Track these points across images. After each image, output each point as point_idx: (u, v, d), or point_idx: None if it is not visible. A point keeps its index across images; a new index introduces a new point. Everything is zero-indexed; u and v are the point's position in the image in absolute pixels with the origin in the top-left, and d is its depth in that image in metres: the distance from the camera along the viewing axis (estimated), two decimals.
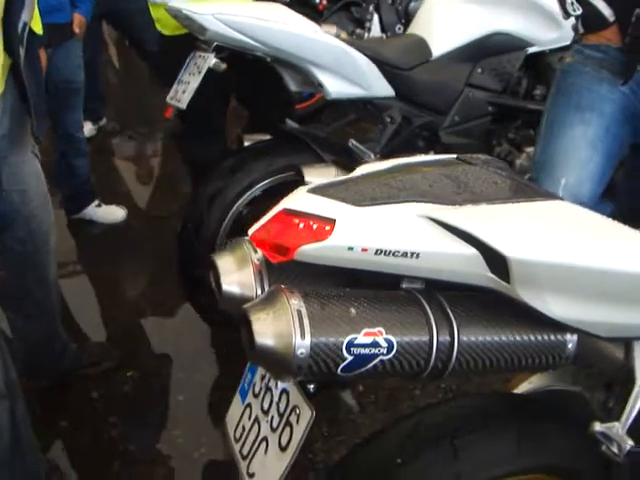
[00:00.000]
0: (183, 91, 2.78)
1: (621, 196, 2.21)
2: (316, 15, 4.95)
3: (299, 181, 2.58)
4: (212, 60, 2.71)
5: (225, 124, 3.54)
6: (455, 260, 1.17)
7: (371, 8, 5.27)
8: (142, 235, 4.25)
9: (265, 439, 1.35)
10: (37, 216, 2.51)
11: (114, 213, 4.32)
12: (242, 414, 1.46)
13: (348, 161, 2.82)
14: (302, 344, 1.08)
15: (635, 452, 1.36)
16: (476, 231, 1.13)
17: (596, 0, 2.03)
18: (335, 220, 1.13)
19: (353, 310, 1.13)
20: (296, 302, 1.11)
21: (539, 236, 1.18)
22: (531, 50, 3.13)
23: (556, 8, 3.01)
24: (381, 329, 1.13)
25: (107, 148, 5.53)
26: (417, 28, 3.12)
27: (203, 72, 2.73)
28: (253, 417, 1.41)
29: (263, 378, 1.41)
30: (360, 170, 1.37)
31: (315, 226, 1.13)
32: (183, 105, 2.76)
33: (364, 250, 1.13)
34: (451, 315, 1.22)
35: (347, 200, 1.16)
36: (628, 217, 1.33)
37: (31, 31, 2.18)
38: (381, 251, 1.14)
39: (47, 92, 3.31)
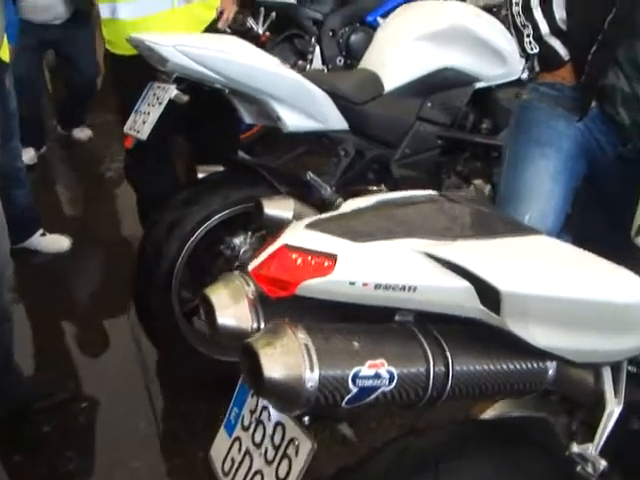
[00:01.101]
0: (143, 122, 2.79)
1: (577, 228, 2.31)
2: (258, 47, 5.00)
3: (257, 213, 2.60)
4: (173, 92, 2.73)
5: (174, 155, 3.57)
6: (449, 293, 1.22)
7: (313, 40, 5.38)
8: (89, 264, 4.23)
9: (260, 472, 1.37)
10: None
11: (59, 242, 4.26)
12: (230, 447, 1.47)
13: (303, 193, 2.86)
14: (311, 377, 1.12)
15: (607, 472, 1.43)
16: (470, 265, 1.19)
17: (552, 40, 2.12)
18: (336, 256, 1.17)
19: (356, 343, 1.17)
20: (302, 336, 1.14)
21: (527, 270, 1.24)
22: (478, 85, 3.22)
23: (503, 45, 3.15)
24: (383, 361, 1.17)
25: (51, 175, 5.47)
26: (369, 63, 3.18)
27: (164, 103, 2.74)
28: (244, 450, 1.43)
29: (253, 412, 1.44)
30: (349, 205, 1.41)
31: (317, 262, 1.17)
32: (143, 136, 2.77)
33: (365, 285, 1.17)
34: (445, 347, 1.27)
35: (346, 236, 1.20)
36: (584, 248, 1.40)
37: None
38: (381, 285, 1.18)
39: None
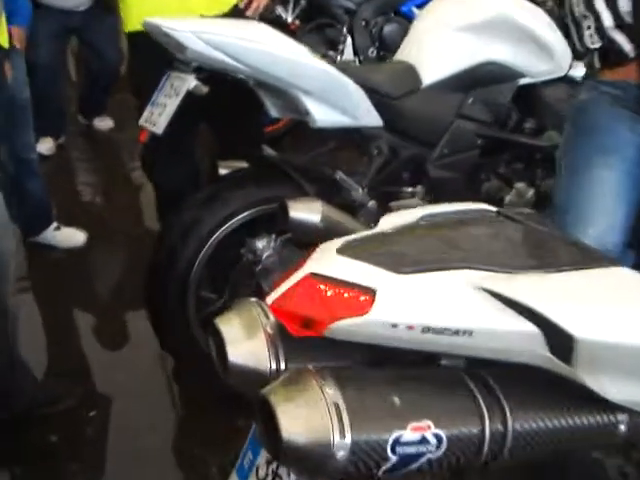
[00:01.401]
0: (159, 114, 2.58)
1: None
2: (287, 36, 4.80)
3: (282, 215, 2.40)
4: (192, 82, 2.51)
5: (195, 147, 3.35)
6: (512, 338, 1.01)
7: (344, 30, 5.17)
8: (105, 261, 4.03)
9: None
10: None
11: (74, 236, 4.06)
12: None
13: (332, 193, 2.66)
14: (341, 444, 0.91)
15: None
16: (540, 307, 0.97)
17: (616, 34, 1.89)
18: (375, 291, 0.95)
19: (396, 399, 0.96)
20: (331, 392, 0.93)
21: (607, 314, 1.02)
22: (522, 81, 2.99)
23: (550, 38, 2.92)
24: (429, 422, 0.96)
25: (69, 166, 5.28)
26: (405, 54, 2.97)
27: (182, 95, 2.53)
28: None
29: (269, 463, 1.22)
30: (388, 222, 1.20)
31: (350, 297, 0.95)
32: (159, 130, 2.56)
33: (410, 328, 0.96)
34: (502, 400, 1.05)
35: (386, 265, 0.99)
36: None
37: None
38: (430, 328, 0.97)
39: None
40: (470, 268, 1.01)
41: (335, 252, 1.02)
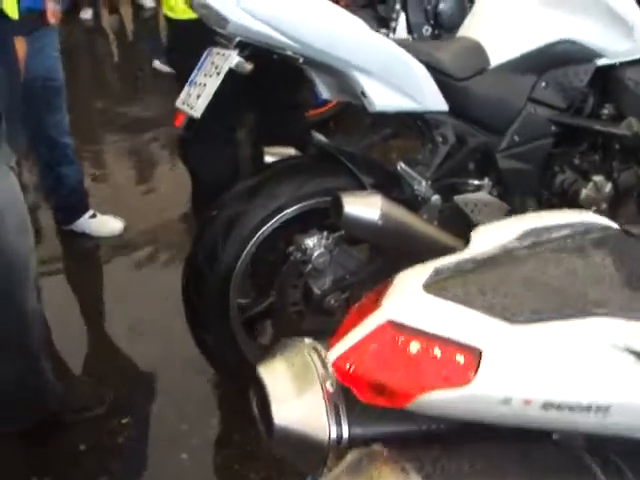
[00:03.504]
0: (197, 95, 2.31)
1: None
2: None
3: (336, 210, 2.15)
4: (235, 59, 2.23)
5: (237, 132, 3.09)
6: None
7: (397, 6, 4.88)
8: (142, 251, 3.78)
9: None
10: (12, 244, 2.12)
11: (110, 225, 3.86)
12: None
13: (391, 187, 2.39)
14: None
15: None
16: None
17: None
18: (481, 351, 0.68)
19: None
20: None
21: None
22: (600, 62, 2.69)
23: (631, 14, 2.62)
24: None
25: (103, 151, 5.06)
26: (471, 31, 2.67)
27: (223, 73, 2.26)
28: None
29: None
30: (479, 240, 0.92)
31: (445, 358, 0.68)
32: (197, 113, 2.29)
33: (527, 403, 0.69)
34: None
35: (493, 310, 0.71)
36: None
37: (2, 14, 1.74)
38: (554, 404, 0.69)
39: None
40: (607, 315, 0.74)
41: (422, 289, 0.75)
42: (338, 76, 2.35)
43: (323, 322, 2.53)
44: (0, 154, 2.01)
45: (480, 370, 0.69)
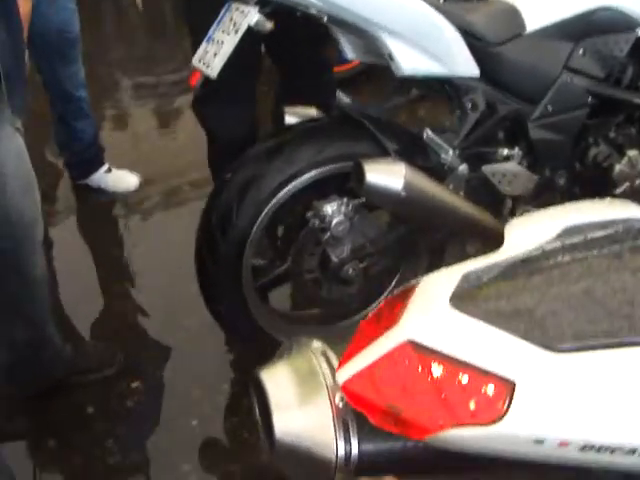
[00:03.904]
0: (214, 54, 2.19)
1: None
2: None
3: (357, 178, 2.06)
4: (254, 17, 2.11)
5: (256, 88, 2.97)
6: None
7: None
8: (158, 208, 3.69)
9: None
10: (17, 205, 2.06)
11: (126, 180, 3.77)
12: None
13: (417, 154, 2.29)
14: None
15: None
16: None
17: None
18: (514, 384, 0.58)
19: None
20: None
21: None
22: None
23: None
24: None
25: (119, 103, 4.94)
26: None
27: (241, 31, 2.13)
28: None
29: None
30: (513, 238, 0.82)
31: (472, 389, 0.59)
32: (214, 73, 2.18)
33: (563, 444, 0.59)
34: None
35: (530, 333, 0.61)
36: None
37: None
38: (594, 446, 0.60)
39: (33, 44, 2.81)
40: None
41: (448, 304, 0.65)
42: (364, 37, 2.24)
43: (339, 291, 2.46)
44: (3, 116, 1.94)
45: (512, 405, 0.60)
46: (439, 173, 2.26)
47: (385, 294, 2.59)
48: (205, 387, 2.58)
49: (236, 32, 2.12)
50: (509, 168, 2.41)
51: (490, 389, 0.60)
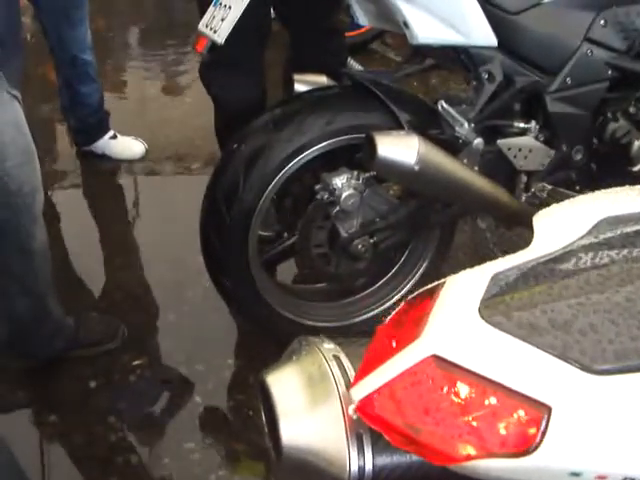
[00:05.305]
0: (222, 18, 2.12)
1: None
2: None
3: (368, 151, 1.99)
4: None
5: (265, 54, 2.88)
6: None
7: None
8: (165, 177, 3.62)
9: None
10: (15, 175, 2.00)
11: (131, 148, 3.68)
12: None
13: (430, 126, 2.21)
14: None
15: None
16: None
17: None
18: (550, 409, 0.51)
19: None
20: None
21: None
22: None
23: None
24: None
25: (127, 68, 4.84)
26: None
27: None
28: None
29: None
30: (544, 233, 0.74)
31: (500, 409, 0.52)
32: (220, 39, 2.10)
33: (602, 478, 0.52)
34: None
35: (568, 352, 0.54)
36: None
37: None
38: None
39: (38, 6, 2.90)
40: None
41: (477, 314, 0.58)
42: (378, 2, 2.17)
43: (348, 266, 2.40)
44: (1, 83, 1.88)
45: (548, 434, 0.53)
46: (453, 146, 2.19)
47: (403, 291, 2.52)
48: (209, 362, 2.54)
49: None
50: (525, 142, 2.34)
51: (522, 414, 0.54)
